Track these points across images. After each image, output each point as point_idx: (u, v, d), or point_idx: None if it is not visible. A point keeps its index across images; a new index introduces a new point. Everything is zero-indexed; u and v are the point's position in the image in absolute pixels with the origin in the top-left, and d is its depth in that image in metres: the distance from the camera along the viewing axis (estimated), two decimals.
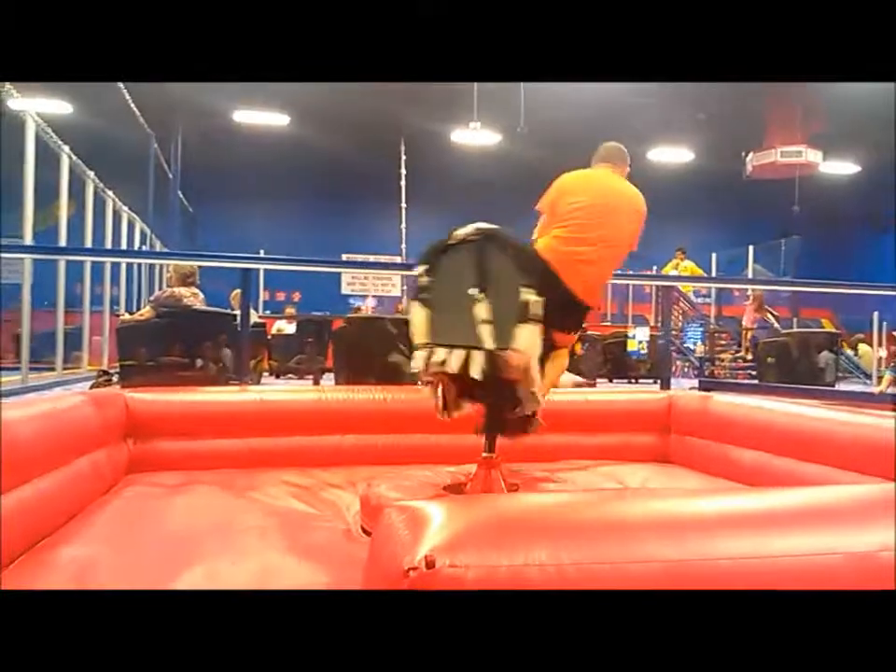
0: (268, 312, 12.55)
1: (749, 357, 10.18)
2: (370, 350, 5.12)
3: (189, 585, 1.50)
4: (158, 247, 12.85)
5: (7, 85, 6.73)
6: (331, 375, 6.35)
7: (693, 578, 0.88)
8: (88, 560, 1.65)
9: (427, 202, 14.45)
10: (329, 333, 7.70)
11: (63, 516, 1.95)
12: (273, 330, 9.42)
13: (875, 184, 15.09)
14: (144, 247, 12.25)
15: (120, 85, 9.88)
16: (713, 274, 13.41)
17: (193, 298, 5.03)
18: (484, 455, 2.09)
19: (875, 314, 11.18)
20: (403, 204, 13.33)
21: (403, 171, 13.24)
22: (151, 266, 12.13)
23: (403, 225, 13.39)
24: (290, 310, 11.19)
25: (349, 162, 14.19)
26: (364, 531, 1.95)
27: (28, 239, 6.46)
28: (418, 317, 1.92)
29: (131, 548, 1.77)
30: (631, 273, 7.26)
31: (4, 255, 5.48)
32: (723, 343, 11.43)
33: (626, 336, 10.00)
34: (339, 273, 15.09)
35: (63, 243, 7.57)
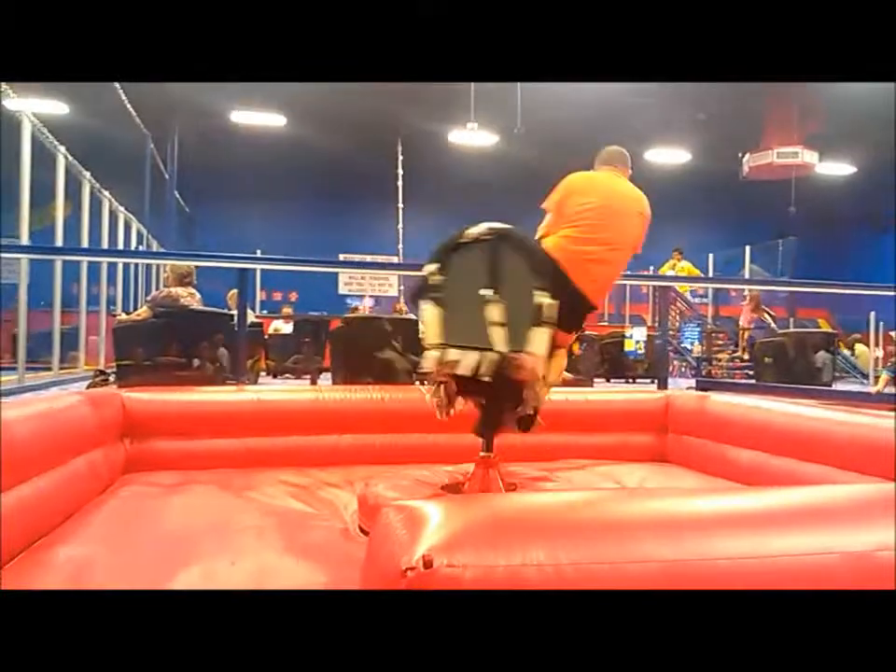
0: (265, 312, 12.54)
1: (746, 356, 10.20)
2: (367, 350, 5.11)
3: (186, 585, 1.50)
4: (154, 247, 12.83)
5: (4, 85, 6.72)
6: (328, 375, 6.35)
7: (690, 577, 0.88)
8: (84, 560, 1.65)
9: (425, 202, 14.45)
10: (327, 333, 7.70)
11: (59, 516, 1.95)
12: (270, 330, 9.41)
13: (872, 184, 15.12)
14: (140, 247, 12.23)
15: (116, 85, 9.86)
16: (710, 275, 13.42)
17: (190, 298, 5.02)
18: (482, 454, 2.09)
19: (872, 314, 11.20)
20: (400, 205, 13.32)
21: (400, 171, 13.23)
22: (148, 266, 12.12)
23: (400, 225, 13.38)
24: (287, 310, 11.18)
25: (346, 163, 14.19)
26: (362, 530, 1.95)
27: (25, 239, 6.45)
28: (431, 317, 1.90)
29: (127, 548, 1.77)
30: (628, 273, 7.26)
31: (2, 255, 5.47)
32: (720, 342, 11.44)
33: (623, 336, 10.00)
34: (336, 274, 15.07)
35: (59, 243, 7.56)
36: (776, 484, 2.38)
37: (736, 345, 11.18)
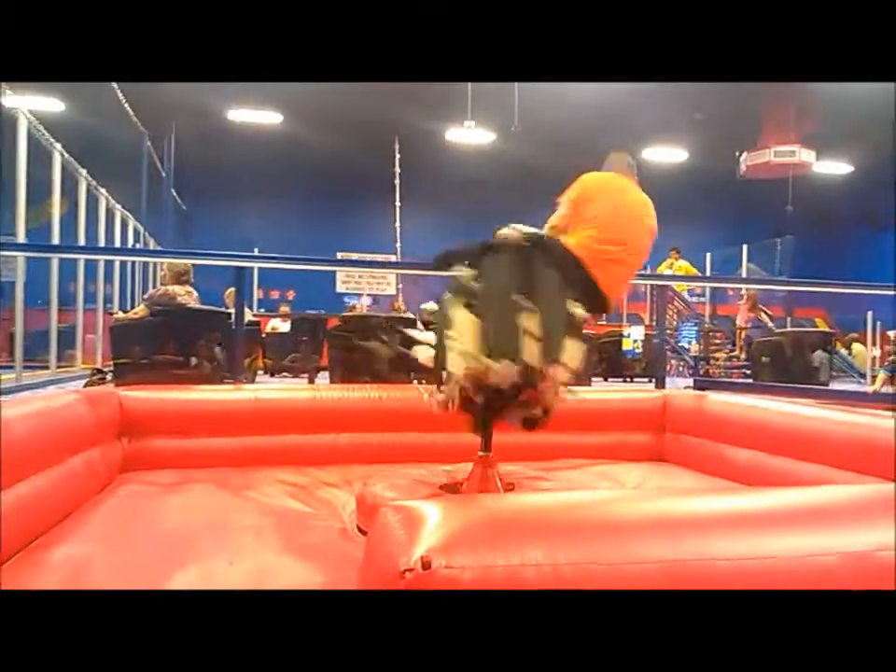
0: (262, 310, 12.53)
1: (743, 356, 10.21)
2: (365, 349, 5.10)
3: (184, 585, 1.50)
4: (151, 246, 12.82)
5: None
6: (326, 374, 6.34)
7: (688, 578, 0.88)
8: (82, 559, 1.65)
9: (422, 200, 14.45)
10: (324, 332, 7.69)
11: (57, 515, 1.95)
12: (268, 329, 9.41)
13: (869, 183, 15.14)
14: (137, 245, 12.22)
15: (113, 83, 9.84)
16: (707, 274, 13.44)
17: (187, 296, 5.01)
18: (480, 453, 2.09)
19: (869, 313, 11.22)
20: (398, 203, 13.31)
21: (398, 169, 13.22)
22: (145, 264, 12.11)
23: (398, 223, 13.37)
24: (285, 308, 11.18)
25: (343, 161, 14.18)
26: (360, 530, 1.94)
27: (21, 237, 6.44)
28: (466, 324, 1.83)
29: (125, 547, 1.76)
30: None
31: (1, 252, 5.47)
32: (718, 342, 11.45)
33: (621, 335, 10.01)
34: (334, 272, 15.06)
35: (56, 241, 7.54)
36: (773, 484, 2.38)
37: (734, 345, 11.19)
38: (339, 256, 13.92)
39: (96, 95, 10.13)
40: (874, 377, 9.18)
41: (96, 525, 1.93)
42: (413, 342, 2.17)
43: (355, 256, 14.16)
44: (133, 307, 7.55)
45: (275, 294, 15.01)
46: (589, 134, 12.56)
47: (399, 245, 13.27)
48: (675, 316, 12.31)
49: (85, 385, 5.46)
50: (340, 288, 15.66)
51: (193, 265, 5.24)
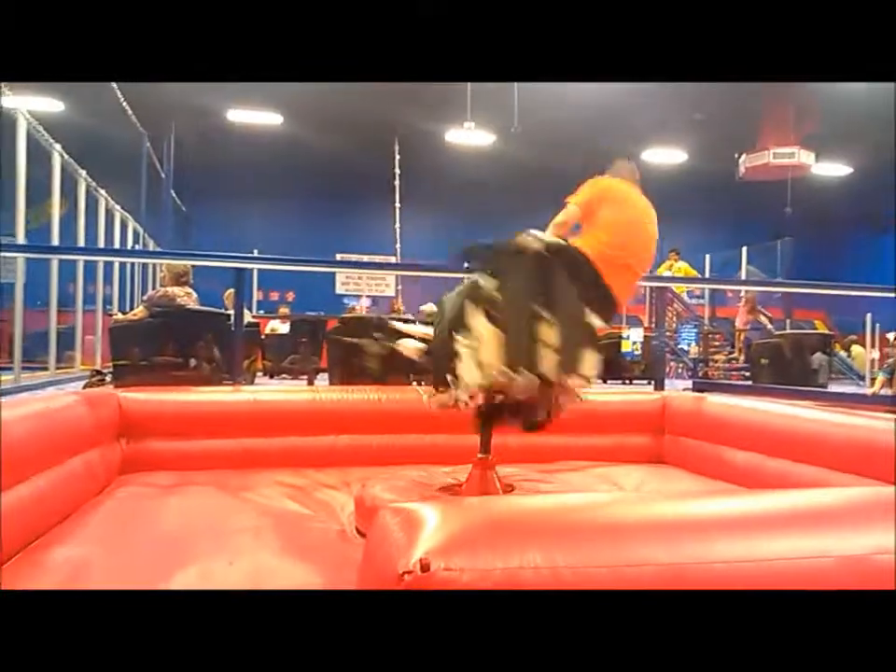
0: (262, 311, 12.53)
1: (742, 358, 10.21)
2: (357, 347, 5.10)
3: (183, 586, 1.50)
4: (151, 247, 12.81)
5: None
6: (325, 375, 6.34)
7: (687, 581, 0.88)
8: (81, 560, 1.65)
9: (422, 201, 14.46)
10: (324, 333, 7.69)
11: (56, 516, 1.95)
12: (267, 330, 9.40)
13: (869, 185, 15.15)
14: (137, 246, 12.21)
15: (113, 84, 9.84)
16: (707, 276, 13.44)
17: (187, 297, 5.02)
18: (479, 455, 2.09)
19: (868, 315, 11.23)
20: (397, 204, 13.32)
21: (398, 171, 13.23)
22: (144, 265, 12.10)
23: (398, 225, 13.38)
24: (284, 310, 11.17)
25: (343, 162, 14.18)
26: (358, 532, 1.94)
27: (20, 238, 6.44)
28: (488, 335, 1.78)
29: (124, 548, 1.76)
30: None
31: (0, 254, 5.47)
32: (717, 344, 11.45)
33: (620, 337, 10.00)
34: (333, 274, 15.08)
35: (55, 242, 7.54)
36: (772, 486, 2.39)
37: (733, 346, 11.20)
38: (338, 257, 13.94)
39: (96, 96, 10.13)
40: (872, 379, 9.18)
41: (95, 527, 1.93)
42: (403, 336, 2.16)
43: (354, 257, 14.17)
44: (132, 308, 7.55)
45: (275, 295, 15.01)
46: (589, 136, 12.58)
47: (398, 246, 13.29)
48: (674, 318, 12.32)
49: (84, 387, 5.46)
50: (339, 290, 15.69)
51: (193, 266, 5.24)
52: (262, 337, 8.53)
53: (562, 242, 1.94)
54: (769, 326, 10.41)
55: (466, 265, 2.01)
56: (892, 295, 5.64)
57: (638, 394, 4.18)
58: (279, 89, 10.95)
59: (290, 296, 15.11)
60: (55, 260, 7.43)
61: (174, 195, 13.99)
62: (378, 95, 10.98)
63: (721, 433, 2.85)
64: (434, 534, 0.87)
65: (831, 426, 2.42)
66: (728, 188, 15.21)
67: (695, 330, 12.07)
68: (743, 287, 11.10)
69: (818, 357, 8.03)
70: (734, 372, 10.21)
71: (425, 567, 0.80)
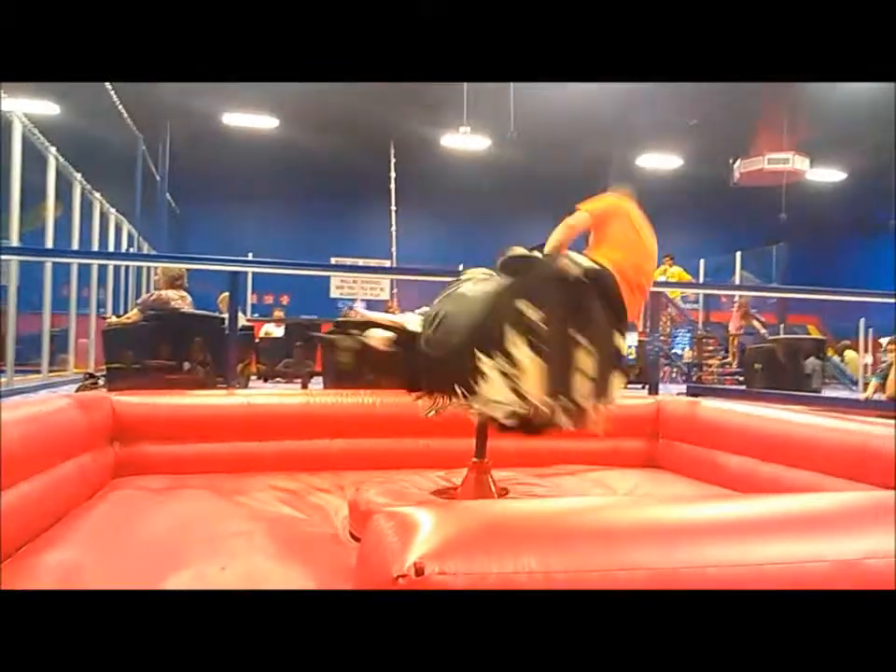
0: (256, 315, 12.50)
1: (736, 363, 10.24)
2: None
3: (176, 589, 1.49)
4: (145, 250, 12.78)
5: None
6: (320, 379, 6.33)
7: (680, 585, 0.88)
8: (73, 564, 1.64)
9: (417, 205, 14.47)
10: (317, 336, 7.68)
11: (48, 520, 1.94)
12: (261, 334, 9.38)
13: (863, 191, 15.24)
14: (131, 250, 12.18)
15: (108, 86, 9.83)
16: (701, 280, 13.48)
17: (181, 301, 5.01)
18: (474, 459, 2.09)
19: (862, 320, 11.26)
20: (393, 207, 13.33)
21: (393, 174, 13.24)
22: (139, 268, 12.06)
23: (393, 228, 13.39)
24: (279, 313, 11.14)
25: (338, 166, 14.19)
26: (352, 536, 1.94)
27: (15, 241, 6.42)
28: (531, 366, 1.73)
29: (117, 552, 1.75)
30: None
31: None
32: (711, 348, 11.48)
33: None
34: (328, 277, 15.06)
35: (49, 244, 7.52)
36: (765, 490, 2.39)
37: (727, 351, 11.22)
38: (333, 261, 13.93)
39: (91, 98, 10.12)
40: (865, 384, 9.21)
41: (87, 531, 1.92)
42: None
43: (349, 261, 14.17)
44: (126, 311, 7.53)
45: (269, 299, 14.98)
46: (584, 141, 12.63)
47: (394, 249, 13.29)
48: (668, 323, 12.34)
49: (77, 390, 5.44)
50: (334, 293, 15.67)
51: (187, 269, 5.23)
52: (256, 340, 8.51)
53: (597, 267, 1.91)
54: (762, 331, 10.44)
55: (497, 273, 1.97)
56: (885, 300, 5.67)
57: (633, 398, 4.18)
58: (275, 93, 10.97)
59: (285, 299, 15.09)
60: (49, 263, 7.40)
61: (168, 198, 13.97)
62: (373, 99, 11.01)
63: (715, 437, 2.85)
64: (428, 538, 0.87)
65: (824, 430, 2.43)
66: (723, 193, 15.26)
67: (689, 335, 12.10)
68: (737, 292, 11.13)
69: (811, 362, 8.05)
70: (727, 377, 10.24)
71: (419, 571, 0.80)
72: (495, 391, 1.76)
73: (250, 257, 8.76)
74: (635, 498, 2.20)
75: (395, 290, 13.53)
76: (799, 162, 13.73)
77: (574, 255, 1.99)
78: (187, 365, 4.67)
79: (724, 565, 0.90)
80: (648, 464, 3.13)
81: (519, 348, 1.74)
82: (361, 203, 15.35)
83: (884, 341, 11.26)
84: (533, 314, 1.75)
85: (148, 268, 10.95)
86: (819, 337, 10.80)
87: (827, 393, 8.32)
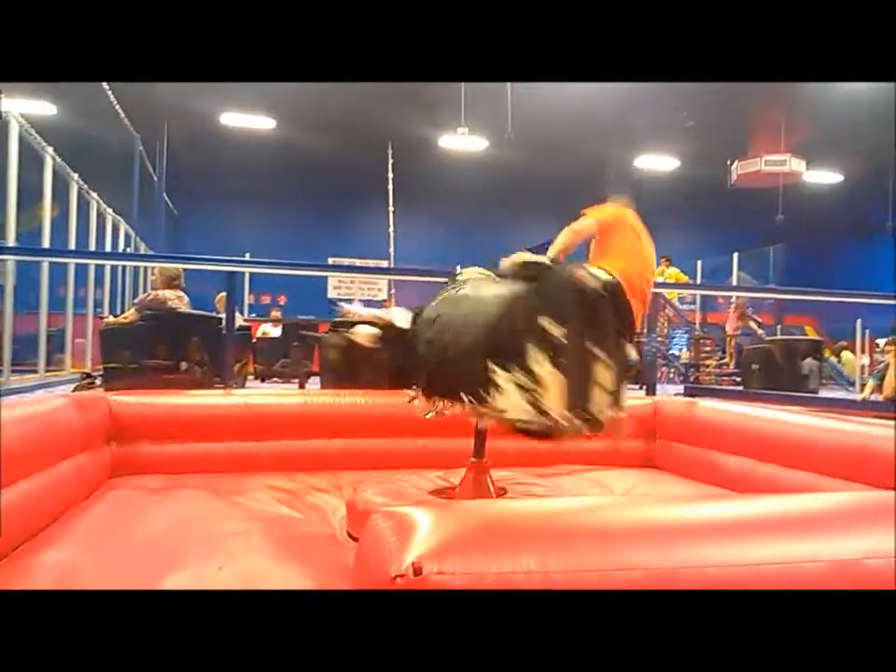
0: (253, 315, 12.49)
1: (733, 363, 10.25)
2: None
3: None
4: (142, 250, 12.77)
5: None
6: (317, 379, 6.32)
7: (678, 585, 0.88)
8: (70, 564, 1.64)
9: (415, 205, 14.46)
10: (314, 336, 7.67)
11: (45, 520, 1.93)
12: (259, 334, 9.38)
13: (859, 192, 15.28)
14: (128, 250, 12.17)
15: (105, 86, 9.82)
16: (698, 282, 13.50)
17: (178, 301, 5.00)
18: (473, 459, 2.09)
19: (858, 321, 11.28)
20: (391, 208, 13.32)
21: (391, 174, 13.24)
22: (136, 268, 12.05)
23: (391, 228, 13.39)
24: (276, 313, 11.13)
25: (337, 166, 14.20)
26: (350, 536, 1.94)
27: (12, 241, 6.41)
28: (553, 381, 1.71)
29: (114, 552, 1.75)
30: None
31: None
32: (708, 349, 11.50)
33: None
34: (325, 277, 15.05)
35: (46, 244, 7.51)
36: (762, 491, 2.39)
37: (724, 352, 11.24)
38: (331, 261, 13.92)
39: (88, 99, 10.11)
40: (862, 385, 9.23)
41: (85, 530, 1.92)
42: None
43: (346, 261, 14.16)
44: (123, 311, 7.52)
45: (266, 299, 14.96)
46: (582, 142, 12.63)
47: (392, 250, 13.28)
48: (665, 324, 12.36)
49: (74, 390, 5.43)
50: (331, 293, 15.66)
51: (184, 269, 5.23)
52: (254, 340, 8.50)
53: (613, 280, 1.91)
54: (759, 331, 10.46)
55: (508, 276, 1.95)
56: (882, 301, 5.68)
57: (630, 398, 4.19)
58: (272, 93, 10.96)
59: (282, 299, 15.08)
60: (46, 263, 7.40)
61: (166, 198, 13.96)
62: (371, 100, 11.01)
63: (713, 438, 2.85)
64: (426, 538, 0.87)
65: (821, 431, 2.43)
66: (720, 194, 15.29)
67: (686, 336, 12.12)
68: (734, 293, 11.16)
69: (808, 363, 8.07)
70: (725, 378, 10.25)
71: (417, 571, 0.80)
72: (510, 404, 1.74)
73: (248, 257, 8.76)
74: (632, 499, 2.20)
75: (392, 291, 13.52)
76: (796, 164, 13.77)
77: (592, 268, 1.98)
78: (184, 365, 4.66)
79: (722, 565, 0.90)
80: (645, 464, 3.13)
81: (542, 365, 1.71)
82: (359, 204, 15.35)
83: (881, 342, 11.29)
84: (556, 330, 1.73)
85: (145, 268, 10.92)
86: (816, 338, 10.82)
87: (824, 394, 8.33)
